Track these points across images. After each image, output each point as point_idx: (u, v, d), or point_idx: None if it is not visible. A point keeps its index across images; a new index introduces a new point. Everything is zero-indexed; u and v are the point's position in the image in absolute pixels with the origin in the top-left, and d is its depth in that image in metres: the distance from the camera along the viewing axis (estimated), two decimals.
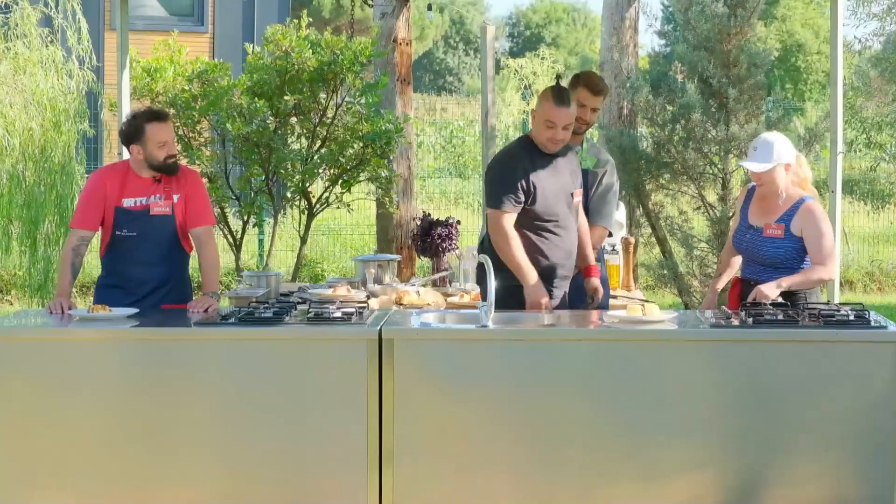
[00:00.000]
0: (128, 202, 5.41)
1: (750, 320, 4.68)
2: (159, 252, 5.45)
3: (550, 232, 5.43)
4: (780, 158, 5.26)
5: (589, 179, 5.78)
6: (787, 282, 5.17)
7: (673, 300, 10.70)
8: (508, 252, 5.33)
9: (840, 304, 4.94)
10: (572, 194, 5.52)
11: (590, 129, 6.12)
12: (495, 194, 5.39)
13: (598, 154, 5.89)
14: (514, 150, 5.50)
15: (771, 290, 5.09)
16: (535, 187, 5.36)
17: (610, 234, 6.04)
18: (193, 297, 5.47)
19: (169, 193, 5.44)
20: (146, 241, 5.43)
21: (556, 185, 5.44)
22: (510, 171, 5.38)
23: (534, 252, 5.38)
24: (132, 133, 5.38)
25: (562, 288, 5.49)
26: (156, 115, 5.42)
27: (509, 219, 5.35)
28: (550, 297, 5.35)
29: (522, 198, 5.35)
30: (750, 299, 5.06)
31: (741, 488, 4.54)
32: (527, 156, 5.41)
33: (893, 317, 5.31)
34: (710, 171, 9.60)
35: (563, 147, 5.48)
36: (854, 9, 16.81)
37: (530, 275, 5.31)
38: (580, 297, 5.63)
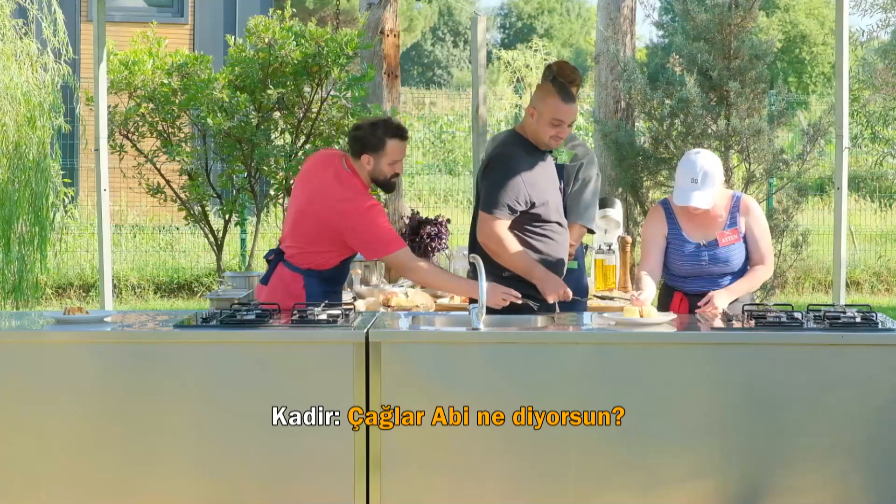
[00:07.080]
0: None
1: (752, 322, 4.58)
2: None
3: (552, 232, 5.26)
4: (720, 179, 5.01)
5: (565, 174, 5.56)
6: (738, 289, 5.02)
7: None
8: (506, 256, 5.15)
9: (846, 305, 4.82)
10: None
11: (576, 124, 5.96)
12: (491, 199, 5.17)
13: (575, 147, 5.70)
14: (511, 151, 5.26)
15: (723, 300, 4.94)
16: (534, 191, 5.17)
17: (591, 232, 5.84)
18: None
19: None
20: None
21: (550, 184, 5.28)
22: (511, 175, 5.17)
23: (535, 256, 5.20)
24: (372, 143, 5.12)
25: None
26: (400, 133, 5.18)
27: (502, 225, 5.16)
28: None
29: (521, 206, 5.17)
30: (702, 302, 4.91)
31: (743, 497, 4.43)
32: (524, 156, 5.21)
33: None
34: None
35: None
36: None
37: (537, 269, 5.13)
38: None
